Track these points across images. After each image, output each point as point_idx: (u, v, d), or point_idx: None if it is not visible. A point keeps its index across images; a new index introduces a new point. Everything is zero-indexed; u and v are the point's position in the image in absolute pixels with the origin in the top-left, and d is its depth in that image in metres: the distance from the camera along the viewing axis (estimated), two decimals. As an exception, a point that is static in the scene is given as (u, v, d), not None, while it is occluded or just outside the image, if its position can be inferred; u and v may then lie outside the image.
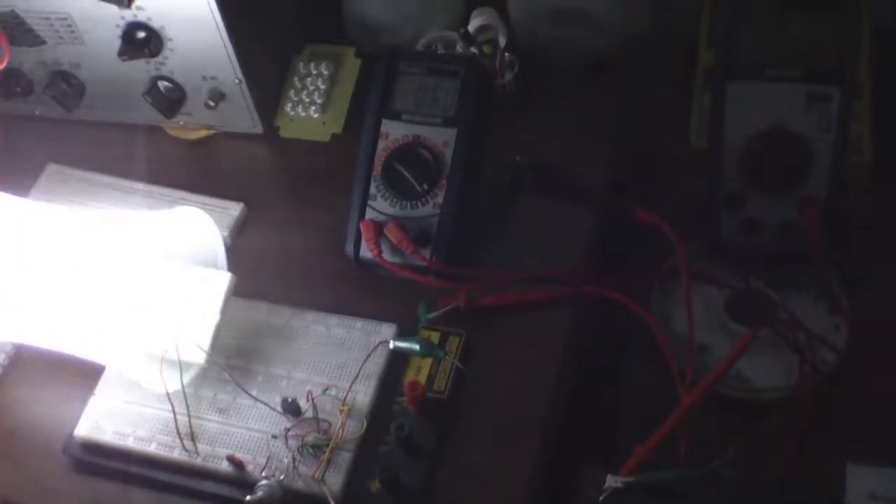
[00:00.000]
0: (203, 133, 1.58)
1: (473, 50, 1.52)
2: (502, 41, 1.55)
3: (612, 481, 1.20)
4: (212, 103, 1.51)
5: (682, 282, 1.34)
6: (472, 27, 1.54)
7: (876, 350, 1.33)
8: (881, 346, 1.34)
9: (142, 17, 1.44)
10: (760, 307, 1.37)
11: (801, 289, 1.40)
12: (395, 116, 1.38)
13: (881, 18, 1.62)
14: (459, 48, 1.56)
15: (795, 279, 1.41)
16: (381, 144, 1.38)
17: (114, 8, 1.42)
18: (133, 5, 1.42)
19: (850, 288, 1.39)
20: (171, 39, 1.46)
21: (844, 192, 1.40)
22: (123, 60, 1.47)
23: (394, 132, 1.38)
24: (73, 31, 1.49)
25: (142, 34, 1.45)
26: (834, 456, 1.26)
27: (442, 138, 1.36)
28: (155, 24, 1.44)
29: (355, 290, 1.38)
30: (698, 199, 1.42)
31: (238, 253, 1.42)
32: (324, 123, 1.56)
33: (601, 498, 1.19)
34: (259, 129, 1.56)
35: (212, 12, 1.41)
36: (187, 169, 1.55)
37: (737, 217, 1.39)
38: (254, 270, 1.39)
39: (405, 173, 1.36)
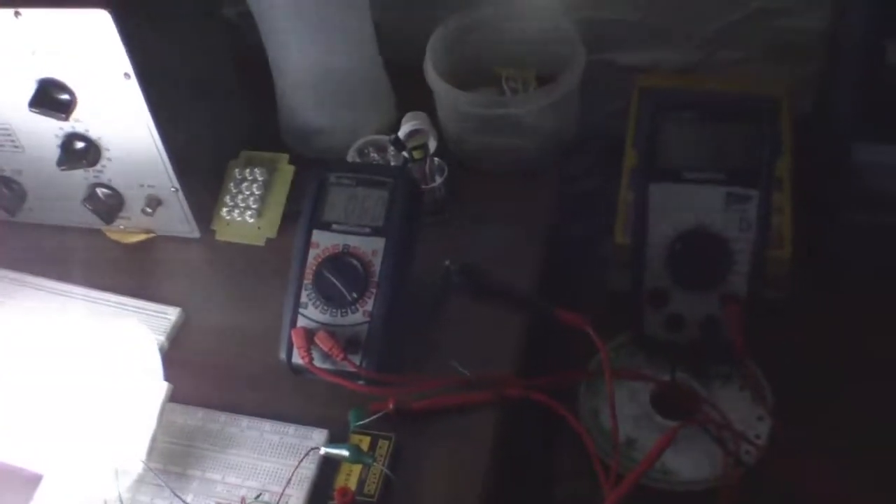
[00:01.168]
0: (142, 237, 1.60)
1: (404, 154, 1.55)
2: (432, 146, 1.58)
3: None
4: (149, 210, 1.54)
5: (606, 380, 1.37)
6: (402, 132, 1.57)
7: (799, 440, 1.36)
8: (804, 436, 1.37)
9: (80, 129, 1.47)
10: (685, 400, 1.41)
11: (727, 380, 1.44)
12: (326, 227, 1.41)
13: (800, 106, 1.68)
14: (391, 153, 1.60)
15: (721, 371, 1.44)
16: (311, 254, 1.40)
17: (52, 120, 1.45)
18: (71, 117, 1.45)
19: (773, 378, 1.43)
20: (108, 150, 1.49)
21: (766, 286, 1.45)
22: (62, 170, 1.49)
23: (324, 242, 1.40)
24: (13, 141, 1.51)
25: (80, 144, 1.48)
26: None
27: (371, 247, 1.39)
28: (93, 135, 1.47)
29: (289, 395, 1.40)
30: (624, 294, 1.46)
31: (175, 357, 1.44)
32: (259, 228, 1.59)
33: None
34: (196, 234, 1.59)
35: (148, 125, 1.44)
36: (126, 272, 1.57)
37: (661, 313, 1.43)
38: (191, 375, 1.41)
39: (335, 282, 1.38)
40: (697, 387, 1.43)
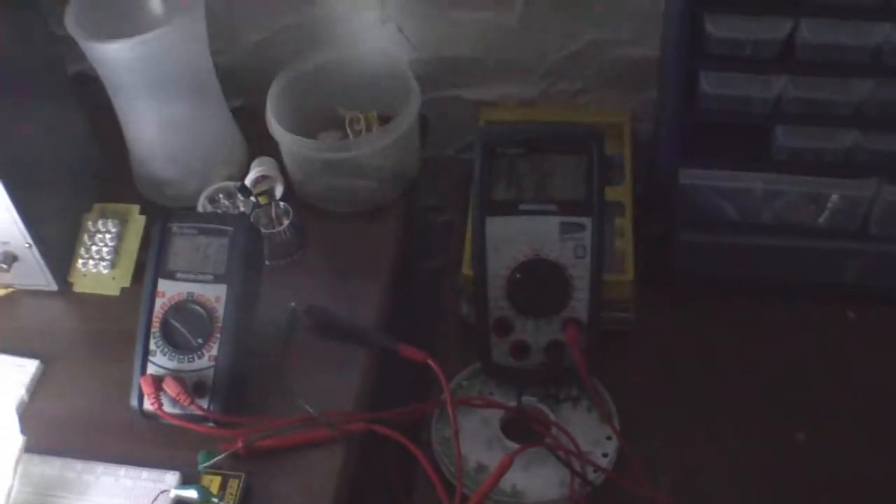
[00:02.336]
0: (0, 292, 1.62)
1: (253, 199, 1.59)
2: (279, 191, 1.62)
3: None
4: (5, 266, 1.55)
5: (449, 411, 1.42)
6: (250, 178, 1.61)
7: (645, 458, 1.41)
8: (649, 453, 1.43)
9: (-72, 190, 1.48)
10: (534, 424, 1.46)
11: (576, 402, 1.50)
12: (170, 276, 1.44)
13: (641, 133, 1.75)
14: (239, 199, 1.63)
15: (569, 393, 1.50)
16: (158, 302, 1.43)
17: None
18: (-82, 180, 1.46)
19: (620, 398, 1.48)
20: (-40, 208, 1.50)
21: (611, 308, 1.51)
22: (-86, 232, 1.50)
23: (170, 290, 1.43)
24: None
25: (-71, 204, 1.49)
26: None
27: (214, 293, 1.42)
28: (-59, 195, 1.49)
29: (143, 441, 1.43)
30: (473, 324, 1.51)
31: (34, 409, 1.47)
32: (113, 278, 1.61)
33: None
34: (54, 287, 1.61)
35: (-4, 185, 1.46)
36: (-17, 328, 1.59)
37: (506, 341, 1.49)
38: (49, 426, 1.44)
39: (181, 328, 1.42)
40: (546, 410, 1.48)
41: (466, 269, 1.57)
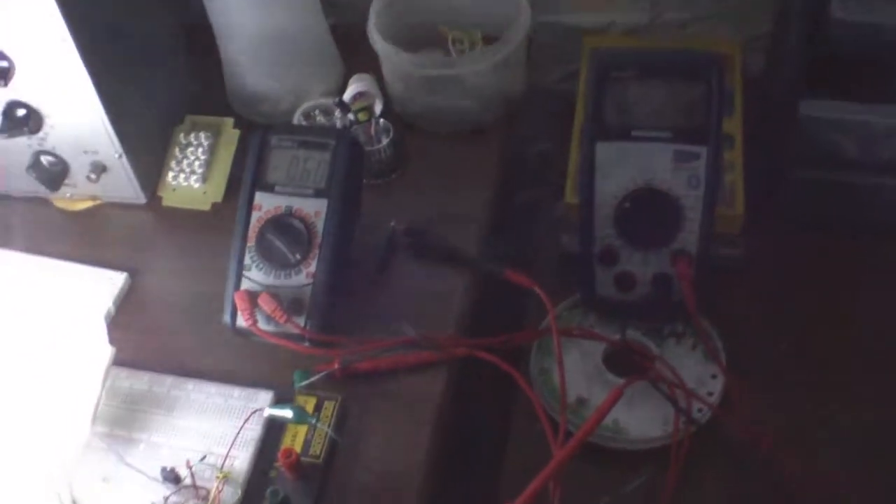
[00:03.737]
0: (88, 204, 1.59)
1: (350, 117, 1.55)
2: (378, 108, 1.58)
3: (485, 539, 1.23)
4: (94, 176, 1.53)
5: (554, 340, 1.37)
6: (348, 94, 1.58)
7: (752, 398, 1.35)
8: (757, 393, 1.37)
9: (20, 96, 1.45)
10: (636, 358, 1.41)
11: (680, 338, 1.44)
12: (269, 188, 1.40)
13: (751, 66, 1.67)
14: (337, 116, 1.60)
15: (674, 329, 1.45)
16: (254, 216, 1.40)
17: (-8, 88, 1.44)
18: (10, 84, 1.43)
19: (726, 335, 1.43)
20: (50, 116, 1.48)
21: (719, 244, 1.45)
22: (4, 138, 1.48)
23: (267, 204, 1.40)
24: (-46, 110, 1.50)
25: (21, 112, 1.47)
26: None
27: (314, 208, 1.39)
28: (33, 101, 1.46)
29: (235, 358, 1.40)
30: (575, 254, 1.46)
31: (122, 322, 1.44)
32: (204, 193, 1.58)
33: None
34: (142, 200, 1.58)
35: (88, 91, 1.43)
36: (72, 239, 1.56)
37: (611, 272, 1.43)
38: (137, 340, 1.41)
39: (278, 243, 1.38)
40: (650, 345, 1.43)
41: (570, 198, 1.52)
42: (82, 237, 1.57)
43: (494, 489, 1.37)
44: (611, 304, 1.45)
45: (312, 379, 1.34)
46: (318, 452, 1.29)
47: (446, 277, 1.46)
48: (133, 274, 1.50)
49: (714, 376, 1.40)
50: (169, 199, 1.59)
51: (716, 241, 1.43)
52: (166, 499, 1.26)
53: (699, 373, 1.41)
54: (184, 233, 1.57)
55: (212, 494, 1.26)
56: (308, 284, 1.37)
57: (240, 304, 1.37)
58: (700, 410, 1.37)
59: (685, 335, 1.44)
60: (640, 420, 1.38)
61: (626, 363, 1.41)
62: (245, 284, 1.39)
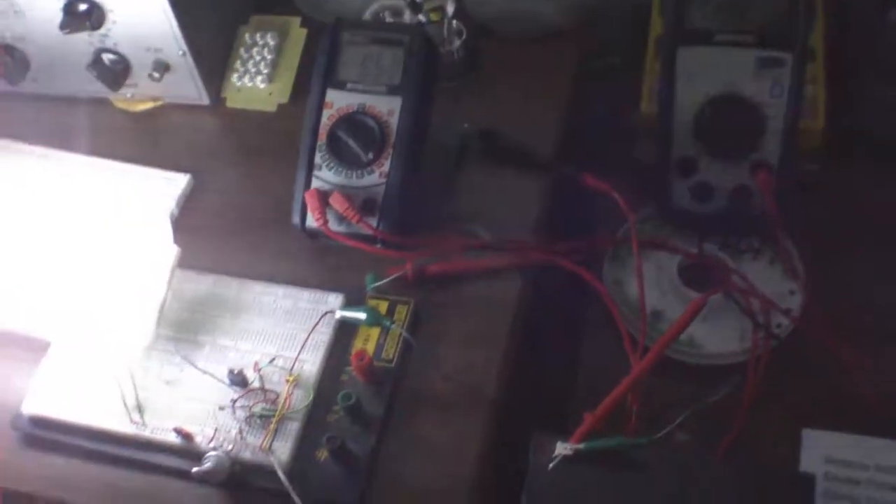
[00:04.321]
0: (149, 104, 1.57)
1: (421, 18, 1.52)
2: (450, 9, 1.53)
3: (561, 449, 1.19)
4: (157, 75, 1.50)
5: (634, 249, 1.33)
6: (420, -6, 1.54)
7: (830, 314, 1.32)
8: (835, 309, 1.33)
9: (83, -10, 1.43)
10: (713, 272, 1.37)
11: (757, 254, 1.41)
12: (340, 86, 1.37)
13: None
14: (407, 16, 1.56)
15: (751, 244, 1.41)
16: (325, 114, 1.36)
17: (54, -20, 1.41)
18: (73, -23, 1.40)
19: (804, 252, 1.39)
20: (113, 11, 1.44)
21: (798, 156, 1.40)
22: (65, 33, 1.45)
23: (338, 101, 1.36)
24: (14, 5, 1.47)
25: (83, 6, 1.44)
26: (789, 421, 1.27)
27: (387, 107, 1.35)
28: (96, -4, 1.43)
29: (302, 261, 1.37)
30: (651, 165, 1.42)
31: (185, 224, 1.41)
32: (270, 94, 1.55)
33: (550, 465, 1.18)
34: (206, 101, 1.55)
35: (153, -17, 1.40)
36: (134, 141, 1.54)
37: (689, 182, 1.39)
38: (201, 242, 1.38)
39: (350, 142, 1.35)
40: (726, 259, 1.39)
41: (646, 106, 1.47)
42: (143, 139, 1.55)
43: (564, 401, 1.34)
44: (687, 215, 1.41)
45: (385, 281, 1.31)
46: (390, 356, 1.26)
47: (521, 181, 1.42)
48: (196, 176, 1.47)
49: (792, 292, 1.37)
50: (233, 100, 1.56)
51: (797, 156, 1.39)
52: (234, 402, 1.23)
53: (777, 289, 1.37)
54: (248, 134, 1.54)
55: (282, 397, 1.23)
56: (380, 184, 1.34)
57: (310, 204, 1.34)
58: (779, 326, 1.34)
59: (762, 251, 1.41)
60: (716, 335, 1.35)
61: (700, 278, 1.38)
62: (315, 184, 1.36)
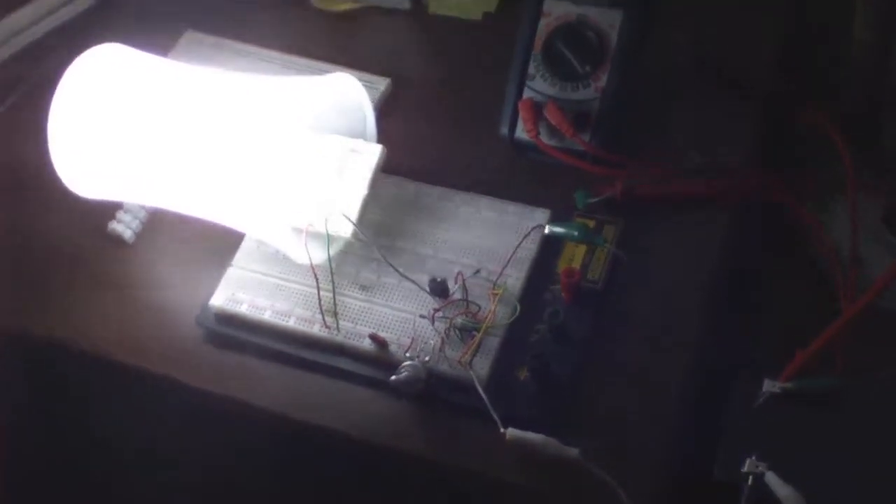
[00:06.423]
0: (349, 6, 1.53)
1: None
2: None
3: (769, 386, 1.15)
4: (358, -25, 1.47)
5: (849, 189, 1.29)
6: None
7: None
8: None
9: None
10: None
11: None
12: (560, -6, 1.33)
13: None
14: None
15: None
16: (542, 22, 1.31)
17: None
18: None
19: None
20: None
21: None
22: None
23: (556, 11, 1.31)
24: None
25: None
26: None
27: (608, 20, 1.30)
28: None
29: (505, 173, 1.33)
30: (861, 105, 1.36)
31: (384, 129, 1.35)
32: (475, 2, 1.51)
33: (756, 403, 1.15)
34: (406, 5, 1.52)
35: None
36: (332, 42, 1.51)
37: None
38: (400, 148, 1.32)
39: (567, 54, 1.30)
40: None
41: (858, 32, 1.40)
42: (341, 40, 1.52)
43: (759, 342, 1.29)
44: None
45: (598, 199, 1.26)
46: (596, 277, 1.21)
47: (736, 108, 1.37)
48: (396, 81, 1.43)
49: None
50: (435, 7, 1.53)
51: None
52: (435, 311, 1.19)
53: None
54: (450, 42, 1.50)
55: (486, 311, 1.18)
56: (595, 98, 1.30)
57: (524, 114, 1.30)
58: None
59: None
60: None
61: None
62: (527, 94, 1.31)
